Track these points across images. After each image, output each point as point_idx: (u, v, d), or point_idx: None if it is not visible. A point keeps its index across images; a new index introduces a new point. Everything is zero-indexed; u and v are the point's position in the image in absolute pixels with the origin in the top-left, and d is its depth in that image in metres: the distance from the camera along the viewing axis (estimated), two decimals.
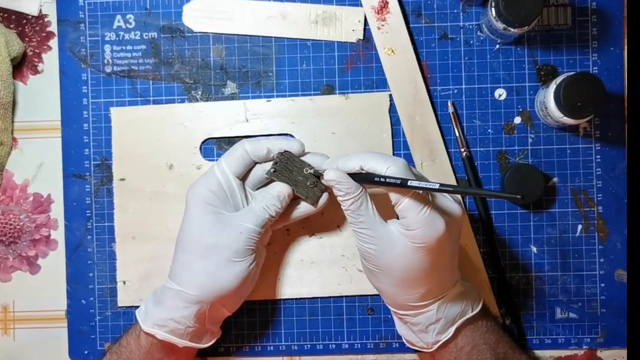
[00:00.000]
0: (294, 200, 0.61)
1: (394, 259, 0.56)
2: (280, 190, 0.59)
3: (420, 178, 0.56)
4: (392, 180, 0.54)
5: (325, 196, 0.61)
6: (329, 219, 0.67)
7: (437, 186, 0.52)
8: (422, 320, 0.60)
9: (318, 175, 0.60)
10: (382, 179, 0.55)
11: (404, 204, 0.54)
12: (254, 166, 0.61)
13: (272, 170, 0.59)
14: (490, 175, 0.68)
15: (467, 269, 0.67)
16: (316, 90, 0.68)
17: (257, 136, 0.67)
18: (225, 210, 0.59)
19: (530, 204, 0.68)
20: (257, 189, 0.62)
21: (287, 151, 0.59)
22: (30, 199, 0.70)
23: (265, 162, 0.61)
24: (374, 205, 0.57)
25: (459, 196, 0.59)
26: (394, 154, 0.67)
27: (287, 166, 0.59)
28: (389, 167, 0.55)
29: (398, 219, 0.57)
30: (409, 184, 0.53)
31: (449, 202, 0.57)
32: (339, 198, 0.57)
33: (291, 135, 0.67)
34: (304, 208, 0.62)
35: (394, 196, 0.55)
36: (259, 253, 0.62)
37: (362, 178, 0.56)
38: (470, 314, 0.60)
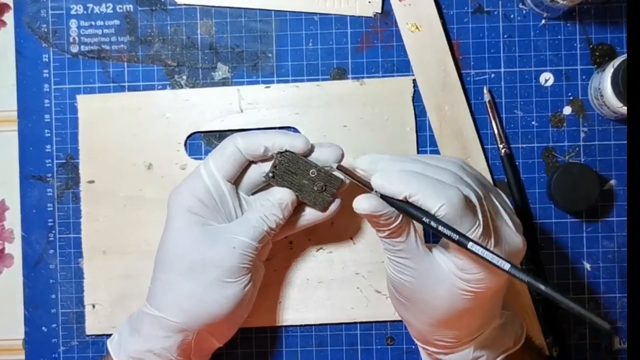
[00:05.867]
0: (298, 205, 0.59)
1: (436, 298, 0.53)
2: (282, 197, 0.57)
3: (475, 181, 0.53)
4: (447, 232, 0.49)
5: (337, 202, 0.59)
6: (341, 230, 0.66)
7: (506, 267, 0.48)
8: (456, 359, 0.58)
9: (327, 178, 0.57)
10: (432, 223, 0.50)
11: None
12: (248, 166, 0.59)
13: (270, 175, 0.57)
14: (535, 177, 0.66)
15: (507, 292, 0.63)
16: (325, 75, 0.67)
17: (253, 130, 0.66)
18: (214, 221, 0.58)
19: (582, 212, 0.66)
20: (253, 193, 0.60)
21: (288, 151, 0.57)
22: None
23: (262, 161, 0.59)
24: (417, 233, 0.53)
25: (518, 221, 0.55)
26: (418, 151, 0.66)
27: (289, 169, 0.57)
28: (442, 205, 0.50)
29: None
30: (469, 247, 0.49)
31: (511, 233, 0.53)
32: (374, 226, 0.53)
33: (294, 129, 0.66)
34: (310, 215, 0.60)
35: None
36: (256, 271, 0.60)
37: (405, 209, 0.52)
38: (513, 349, 0.58)
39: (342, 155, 0.57)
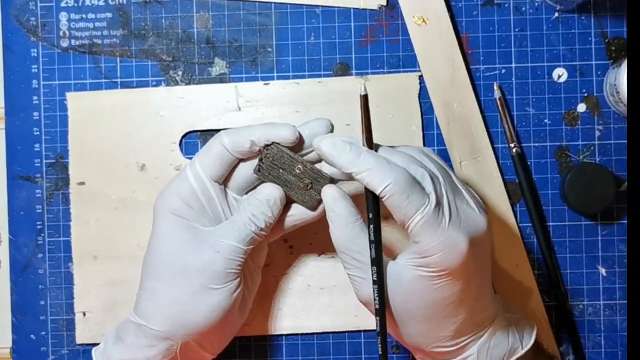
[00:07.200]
0: (287, 204, 0.59)
1: (409, 299, 0.54)
2: (269, 193, 0.57)
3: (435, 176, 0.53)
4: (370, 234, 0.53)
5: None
6: None
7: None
8: None
9: (313, 175, 0.56)
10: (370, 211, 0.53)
11: (414, 224, 0.51)
12: (238, 164, 0.58)
13: (256, 168, 0.57)
14: (547, 178, 0.66)
15: (517, 296, 0.65)
16: (327, 70, 0.66)
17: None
18: (201, 224, 0.57)
19: (597, 214, 0.65)
20: (247, 192, 0.60)
21: (274, 144, 0.56)
22: None
23: (250, 158, 0.58)
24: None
25: (483, 206, 0.56)
26: None
27: (275, 163, 0.56)
28: (389, 184, 0.51)
29: None
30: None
31: (473, 212, 0.54)
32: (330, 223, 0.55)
33: None
34: (300, 214, 0.59)
35: (399, 215, 0.52)
36: (250, 277, 0.59)
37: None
38: (521, 352, 0.57)
39: (331, 127, 0.57)
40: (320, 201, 0.57)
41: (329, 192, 0.54)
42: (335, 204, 0.54)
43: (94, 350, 0.59)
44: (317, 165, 0.56)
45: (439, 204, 0.51)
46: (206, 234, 0.56)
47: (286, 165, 0.56)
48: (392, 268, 0.54)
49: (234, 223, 0.56)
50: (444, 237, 0.51)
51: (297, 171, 0.56)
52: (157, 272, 0.57)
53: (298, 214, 0.58)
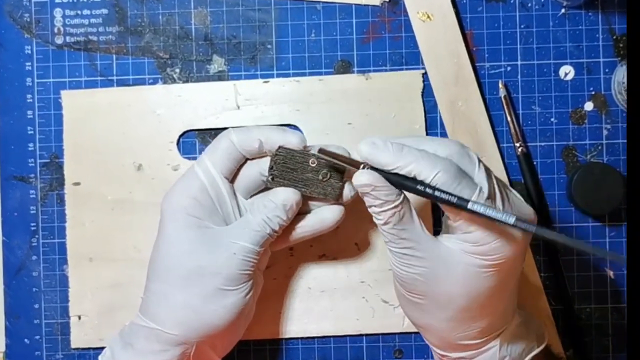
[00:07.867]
0: (299, 215, 0.58)
1: (453, 285, 0.53)
2: (285, 197, 0.56)
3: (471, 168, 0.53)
4: (445, 196, 0.50)
5: (348, 186, 0.57)
6: (345, 236, 0.65)
7: (512, 220, 0.48)
8: None
9: (329, 163, 0.56)
10: (430, 190, 0.50)
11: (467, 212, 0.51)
12: (243, 165, 0.58)
13: (270, 178, 0.56)
14: (554, 178, 0.65)
15: (523, 299, 0.64)
16: (328, 68, 0.66)
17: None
18: (212, 222, 0.57)
19: (605, 215, 0.65)
20: (252, 195, 0.59)
21: (282, 147, 0.56)
22: None
23: (258, 157, 0.58)
24: (420, 219, 0.53)
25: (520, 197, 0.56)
26: None
27: (287, 166, 0.56)
28: (438, 172, 0.50)
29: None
30: (469, 207, 0.49)
31: (521, 203, 0.54)
32: (373, 210, 0.53)
33: (295, 127, 0.65)
34: (314, 223, 0.58)
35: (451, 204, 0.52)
36: (254, 280, 0.58)
37: (399, 182, 0.52)
38: (537, 350, 0.58)
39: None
40: (341, 188, 0.57)
41: (368, 175, 0.52)
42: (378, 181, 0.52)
43: (100, 357, 0.59)
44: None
45: (491, 192, 0.51)
46: (219, 234, 0.56)
47: (299, 164, 0.56)
48: (445, 251, 0.53)
49: (247, 224, 0.56)
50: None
51: (312, 165, 0.56)
52: (167, 274, 0.56)
53: (310, 225, 0.58)
